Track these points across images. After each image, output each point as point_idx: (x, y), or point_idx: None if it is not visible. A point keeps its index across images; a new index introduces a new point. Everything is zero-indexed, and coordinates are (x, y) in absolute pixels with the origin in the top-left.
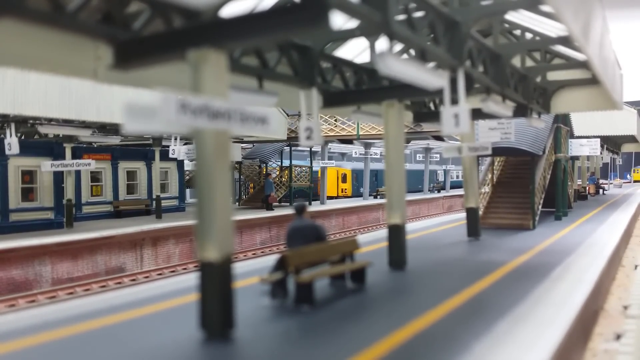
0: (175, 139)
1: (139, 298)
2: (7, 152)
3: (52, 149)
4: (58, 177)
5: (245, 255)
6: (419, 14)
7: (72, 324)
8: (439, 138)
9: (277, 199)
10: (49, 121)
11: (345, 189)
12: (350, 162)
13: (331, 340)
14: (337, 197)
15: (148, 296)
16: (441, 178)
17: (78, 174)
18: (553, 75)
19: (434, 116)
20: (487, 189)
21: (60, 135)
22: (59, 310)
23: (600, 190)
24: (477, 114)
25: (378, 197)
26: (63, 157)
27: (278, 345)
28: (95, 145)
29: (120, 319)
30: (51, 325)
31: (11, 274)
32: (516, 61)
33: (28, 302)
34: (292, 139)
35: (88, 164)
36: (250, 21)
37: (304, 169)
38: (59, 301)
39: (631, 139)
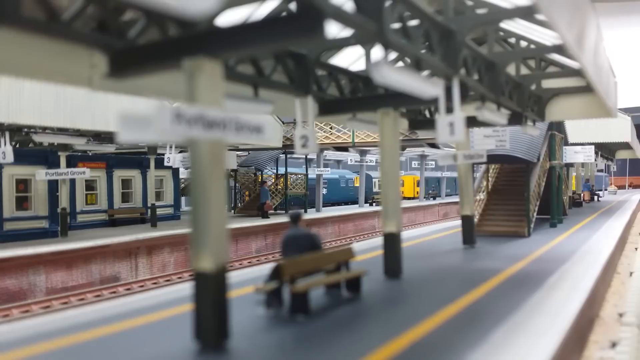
0: (171, 147)
1: (134, 308)
2: (1, 160)
3: (46, 157)
4: (52, 185)
5: (240, 264)
6: (413, 22)
7: (66, 335)
8: (434, 145)
9: (273, 206)
10: (44, 130)
11: (418, 192)
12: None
13: (327, 350)
14: (413, 198)
15: (143, 306)
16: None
17: (73, 182)
18: (548, 83)
19: (429, 124)
20: (482, 196)
21: (55, 144)
22: (53, 320)
23: (595, 197)
24: (472, 122)
25: (374, 204)
26: (58, 166)
27: (273, 356)
28: (90, 154)
29: (114, 329)
30: (45, 336)
31: (5, 284)
32: (511, 69)
33: (22, 312)
34: (287, 147)
35: (83, 173)
36: (246, 31)
37: (299, 176)
38: (53, 311)
39: (625, 145)
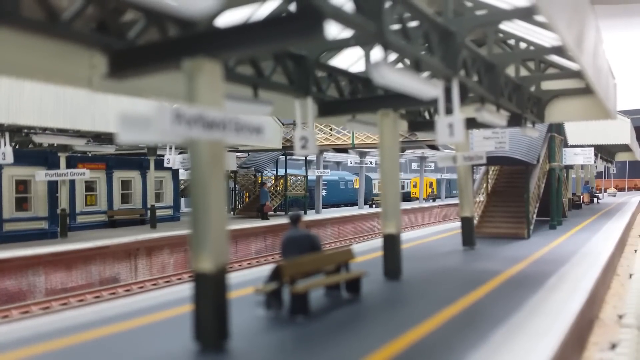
0: (170, 148)
1: (133, 309)
2: (1, 161)
3: (46, 158)
4: (52, 186)
5: (240, 265)
6: (413, 23)
7: (65, 336)
8: (433, 147)
9: (272, 208)
10: (44, 130)
11: (430, 192)
12: (435, 174)
13: (326, 351)
14: (426, 198)
15: (142, 307)
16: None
17: (72, 183)
18: (547, 85)
19: (429, 125)
20: (482, 198)
21: (55, 145)
22: (53, 321)
23: (595, 199)
24: (471, 124)
25: (373, 206)
26: (57, 167)
27: (273, 356)
28: (89, 155)
29: (114, 330)
30: (45, 337)
31: (5, 285)
32: (510, 71)
33: (22, 312)
34: (287, 148)
35: (82, 174)
36: (246, 31)
37: (299, 177)
38: (52, 312)
39: (625, 147)
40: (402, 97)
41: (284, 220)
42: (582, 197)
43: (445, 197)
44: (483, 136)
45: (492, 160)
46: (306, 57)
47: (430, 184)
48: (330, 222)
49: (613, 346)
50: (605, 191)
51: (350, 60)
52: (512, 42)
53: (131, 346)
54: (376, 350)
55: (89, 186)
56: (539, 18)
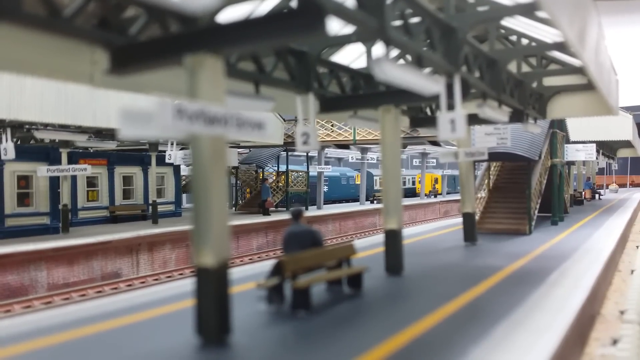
0: (172, 144)
1: (135, 303)
2: (2, 157)
3: (48, 154)
4: (54, 182)
5: (241, 261)
6: (415, 19)
7: (67, 330)
8: (435, 143)
9: (274, 204)
10: (45, 126)
11: (436, 187)
12: (440, 170)
13: (328, 346)
14: (430, 193)
15: (144, 302)
16: None
17: (74, 179)
18: (549, 81)
19: (431, 121)
20: (483, 194)
21: (56, 141)
22: (55, 315)
23: (596, 195)
24: (473, 119)
25: (374, 201)
26: (59, 162)
27: (274, 351)
28: (91, 150)
29: (116, 324)
30: (46, 331)
31: (7, 279)
32: (512, 67)
33: (24, 307)
34: (288, 144)
35: (84, 169)
36: (247, 27)
37: (300, 173)
38: (54, 307)
39: (627, 144)
40: (403, 93)
41: (286, 216)
42: (583, 193)
43: (447, 193)
44: (485, 132)
45: (493, 156)
46: (308, 53)
47: (435, 180)
48: (331, 217)
49: (614, 342)
50: (607, 187)
51: (351, 56)
52: (514, 38)
53: (133, 340)
54: (378, 345)
55: (91, 182)
56: (541, 14)
